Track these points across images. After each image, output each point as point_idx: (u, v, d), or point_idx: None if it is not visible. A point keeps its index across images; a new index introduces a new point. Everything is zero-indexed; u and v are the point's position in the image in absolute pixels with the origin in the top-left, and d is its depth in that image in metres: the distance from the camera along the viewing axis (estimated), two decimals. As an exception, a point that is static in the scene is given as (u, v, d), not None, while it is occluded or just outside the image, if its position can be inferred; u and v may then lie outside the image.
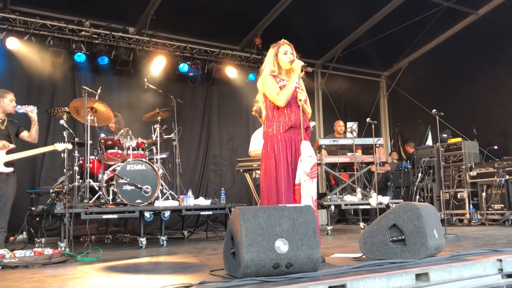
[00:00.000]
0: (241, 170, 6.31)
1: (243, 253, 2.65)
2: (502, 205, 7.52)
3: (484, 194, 7.77)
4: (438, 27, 9.62)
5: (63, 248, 4.64)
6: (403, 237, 3.33)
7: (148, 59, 8.46)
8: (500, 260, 3.21)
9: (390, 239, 3.36)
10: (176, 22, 8.62)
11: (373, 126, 6.38)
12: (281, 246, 2.73)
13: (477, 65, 9.49)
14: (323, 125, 10.89)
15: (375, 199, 6.50)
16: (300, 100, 3.60)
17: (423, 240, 3.25)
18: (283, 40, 3.76)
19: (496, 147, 8.66)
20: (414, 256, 3.24)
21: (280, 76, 3.72)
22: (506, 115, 9.06)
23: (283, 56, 3.69)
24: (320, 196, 7.86)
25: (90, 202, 5.50)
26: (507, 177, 7.46)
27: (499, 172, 7.56)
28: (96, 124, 5.98)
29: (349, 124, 7.60)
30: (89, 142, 5.69)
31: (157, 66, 8.53)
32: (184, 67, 8.69)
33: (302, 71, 3.64)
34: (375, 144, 6.87)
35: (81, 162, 5.95)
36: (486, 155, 8.69)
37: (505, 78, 9.01)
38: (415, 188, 8.66)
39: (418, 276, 2.83)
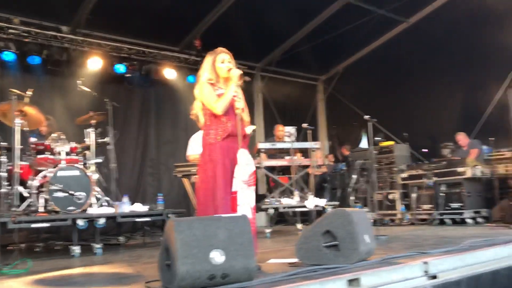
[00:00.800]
0: (179, 176, 6.25)
1: (178, 265, 2.62)
2: (431, 205, 7.93)
3: (414, 195, 8.17)
4: (372, 34, 10.01)
5: (-12, 261, 4.39)
6: (336, 242, 3.43)
7: (82, 59, 8.15)
8: (426, 263, 3.39)
9: (324, 244, 3.46)
10: (113, 21, 8.37)
11: (308, 131, 6.52)
12: (217, 257, 2.73)
13: (408, 71, 9.94)
14: (264, 128, 10.99)
15: (312, 202, 6.66)
16: (238, 108, 3.63)
17: (355, 246, 3.36)
18: (220, 48, 3.75)
19: (425, 150, 9.13)
20: (347, 261, 3.34)
21: (218, 84, 3.72)
22: (434, 119, 9.56)
23: (220, 65, 3.69)
24: (260, 198, 7.94)
25: (19, 209, 5.24)
26: (435, 179, 7.88)
27: (428, 174, 7.97)
28: (26, 128, 5.70)
29: (287, 128, 7.73)
30: (18, 146, 5.42)
31: (92, 67, 8.25)
32: (120, 68, 8.48)
33: (239, 79, 3.65)
34: (311, 148, 7.04)
35: (9, 167, 5.65)
36: (416, 158, 9.13)
37: (433, 85, 9.50)
38: (350, 189, 8.96)
39: (350, 281, 2.93)
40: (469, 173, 7.53)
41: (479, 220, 7.53)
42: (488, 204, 7.75)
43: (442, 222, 7.71)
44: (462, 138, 8.53)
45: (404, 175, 8.42)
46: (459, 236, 5.36)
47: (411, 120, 9.90)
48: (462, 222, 7.48)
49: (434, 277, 3.39)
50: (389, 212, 8.55)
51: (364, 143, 10.00)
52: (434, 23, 9.42)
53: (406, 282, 3.22)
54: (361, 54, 11.01)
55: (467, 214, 7.43)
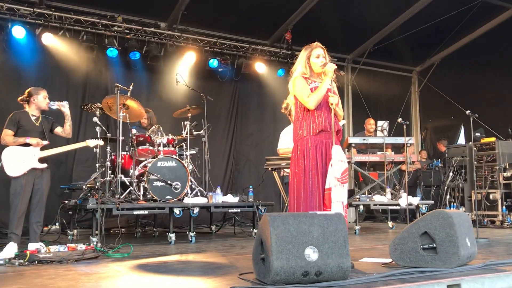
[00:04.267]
0: (269, 169, 6.31)
1: (272, 260, 2.66)
2: (538, 208, 7.32)
3: (518, 195, 7.58)
4: (473, 22, 9.35)
5: (95, 243, 4.76)
6: (434, 245, 3.28)
7: (178, 54, 8.51)
8: (536, 272, 3.14)
9: (421, 246, 3.32)
10: (207, 16, 8.63)
11: (404, 126, 6.26)
12: (311, 254, 2.73)
13: (513, 62, 9.21)
14: (352, 121, 10.78)
15: (405, 200, 6.41)
16: (332, 104, 3.58)
17: (455, 249, 3.20)
18: (316, 43, 3.72)
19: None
20: (446, 265, 3.19)
21: (311, 78, 3.70)
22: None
23: (315, 60, 3.66)
24: (349, 193, 7.82)
25: (121, 197, 5.61)
26: (544, 179, 7.24)
27: (535, 173, 7.35)
28: (128, 121, 6.07)
29: (380, 122, 7.50)
30: (121, 138, 5.79)
31: (187, 61, 8.58)
32: (214, 62, 8.71)
33: (334, 74, 3.60)
34: (406, 144, 6.75)
35: (113, 157, 6.06)
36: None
37: (543, 76, 8.72)
38: (446, 187, 8.50)
39: (449, 287, 2.80)
40: None
41: None
42: None
43: (550, 227, 7.09)
44: None
45: (507, 174, 7.82)
46: None
47: (515, 115, 9.17)
48: None
49: (545, 288, 3.13)
50: (489, 213, 8.00)
51: (462, 139, 9.44)
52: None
53: (512, 291, 3.02)
54: (460, 44, 10.34)
55: None
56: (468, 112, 5.66)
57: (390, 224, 7.37)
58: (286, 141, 6.23)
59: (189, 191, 6.08)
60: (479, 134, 8.42)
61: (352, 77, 10.86)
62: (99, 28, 7.90)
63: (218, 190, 6.12)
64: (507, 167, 7.87)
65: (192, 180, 6.24)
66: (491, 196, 8.01)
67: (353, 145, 7.02)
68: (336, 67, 3.62)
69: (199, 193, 6.26)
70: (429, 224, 3.31)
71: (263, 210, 6.07)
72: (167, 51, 8.41)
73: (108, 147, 5.99)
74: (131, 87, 6.06)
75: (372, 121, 8.01)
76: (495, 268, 3.28)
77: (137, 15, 8.36)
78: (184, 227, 7.31)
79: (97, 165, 5.95)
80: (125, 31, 8.11)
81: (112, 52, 7.88)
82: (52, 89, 6.54)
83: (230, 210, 6.14)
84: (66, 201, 5.92)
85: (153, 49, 8.22)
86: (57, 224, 6.46)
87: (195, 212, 5.59)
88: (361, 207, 6.62)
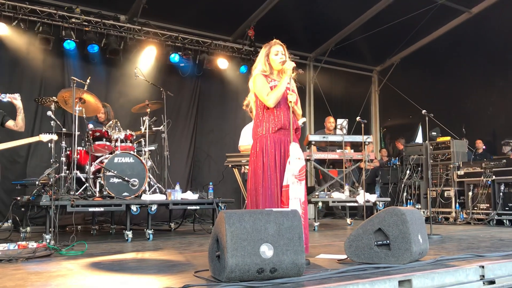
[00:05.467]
0: (230, 166, 6.29)
1: (227, 257, 2.64)
2: (488, 205, 7.59)
3: (470, 193, 7.85)
4: (432, 24, 9.64)
5: (48, 241, 4.62)
6: (388, 241, 3.34)
7: (139, 48, 8.36)
8: (482, 267, 3.25)
9: (375, 243, 3.38)
10: (169, 10, 8.52)
11: (362, 125, 6.37)
12: (266, 251, 2.73)
13: (468, 63, 9.54)
14: (314, 119, 10.89)
15: (362, 197, 6.53)
16: (291, 102, 3.59)
17: (408, 246, 3.26)
18: (275, 40, 3.72)
19: (484, 147, 8.72)
20: (398, 261, 3.25)
21: (271, 76, 3.70)
22: (495, 115, 9.14)
23: (274, 57, 3.66)
24: (309, 190, 7.89)
25: (77, 194, 5.46)
26: (494, 177, 7.52)
27: (486, 172, 7.61)
28: (84, 115, 5.90)
29: (339, 121, 7.60)
30: (77, 133, 5.63)
31: (148, 55, 8.44)
32: (175, 57, 8.61)
33: (293, 72, 3.62)
34: (364, 142, 6.88)
35: (68, 153, 5.89)
36: (474, 155, 8.75)
37: (495, 78, 9.06)
38: (402, 185, 8.71)
39: (401, 282, 2.85)
40: (532, 172, 7.12)
41: (541, 222, 7.14)
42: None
43: (500, 223, 7.37)
44: (525, 135, 8.09)
45: (461, 172, 8.09)
46: (519, 239, 5.11)
47: (470, 115, 9.50)
48: (522, 224, 7.11)
49: (491, 282, 3.25)
50: (443, 210, 8.26)
51: (419, 138, 9.69)
52: (498, 13, 8.93)
53: (460, 286, 3.11)
54: (419, 45, 10.64)
55: (528, 216, 7.05)
56: (424, 111, 5.80)
57: (348, 220, 7.49)
58: (247, 138, 6.23)
59: (147, 188, 5.97)
60: (435, 133, 8.66)
61: (314, 76, 10.98)
62: (56, 19, 7.67)
63: (178, 187, 6.04)
64: (461, 165, 8.14)
65: (151, 176, 6.14)
66: (445, 194, 8.27)
67: (313, 142, 7.09)
68: (295, 65, 3.63)
69: (158, 190, 6.17)
70: (383, 221, 3.37)
71: (223, 207, 6.04)
72: (127, 44, 8.25)
73: (64, 142, 5.81)
74: (88, 81, 5.89)
75: (331, 119, 8.12)
76: (445, 263, 3.37)
77: (96, 7, 8.17)
78: (143, 224, 7.19)
79: (51, 160, 5.76)
80: (84, 23, 7.90)
81: (70, 44, 7.67)
82: (5, 82, 6.33)
83: (189, 207, 6.07)
84: (19, 198, 5.71)
85: (112, 42, 8.05)
86: (9, 221, 6.23)
87: (153, 209, 5.49)
88: (320, 204, 6.69)
